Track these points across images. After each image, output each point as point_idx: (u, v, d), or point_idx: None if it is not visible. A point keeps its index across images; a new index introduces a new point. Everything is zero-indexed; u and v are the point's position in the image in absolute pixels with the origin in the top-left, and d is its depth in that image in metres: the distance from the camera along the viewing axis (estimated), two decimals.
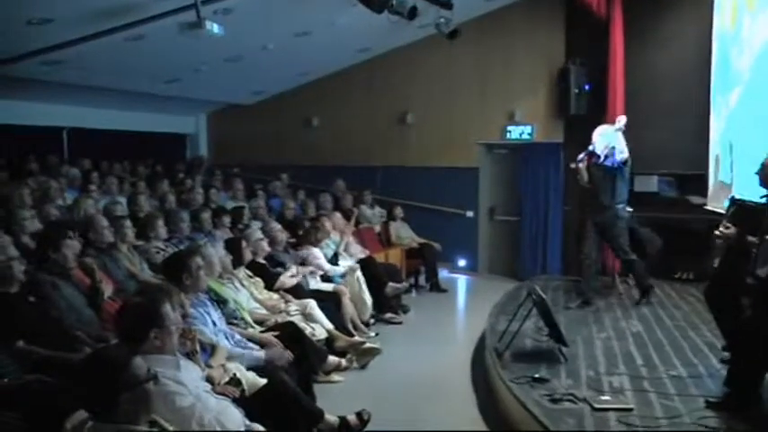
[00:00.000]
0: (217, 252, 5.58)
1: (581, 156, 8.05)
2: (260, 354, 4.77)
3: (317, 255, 7.72)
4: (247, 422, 3.45)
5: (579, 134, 10.28)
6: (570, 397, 4.66)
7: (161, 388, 2.88)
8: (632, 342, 6.24)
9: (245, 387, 4.11)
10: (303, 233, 7.96)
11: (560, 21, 10.59)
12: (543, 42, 10.71)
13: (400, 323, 8.16)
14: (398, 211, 10.74)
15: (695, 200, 9.35)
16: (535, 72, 10.79)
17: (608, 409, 4.41)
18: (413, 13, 7.94)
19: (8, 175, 8.64)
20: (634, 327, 6.83)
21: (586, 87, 10.17)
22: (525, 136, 10.81)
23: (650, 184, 9.74)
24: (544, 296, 5.85)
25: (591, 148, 7.94)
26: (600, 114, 9.82)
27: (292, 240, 7.78)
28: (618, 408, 4.44)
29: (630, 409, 4.42)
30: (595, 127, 9.77)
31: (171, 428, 2.84)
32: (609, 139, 7.77)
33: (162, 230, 6.72)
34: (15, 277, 4.40)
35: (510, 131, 10.95)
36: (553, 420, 4.24)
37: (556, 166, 10.80)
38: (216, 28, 7.06)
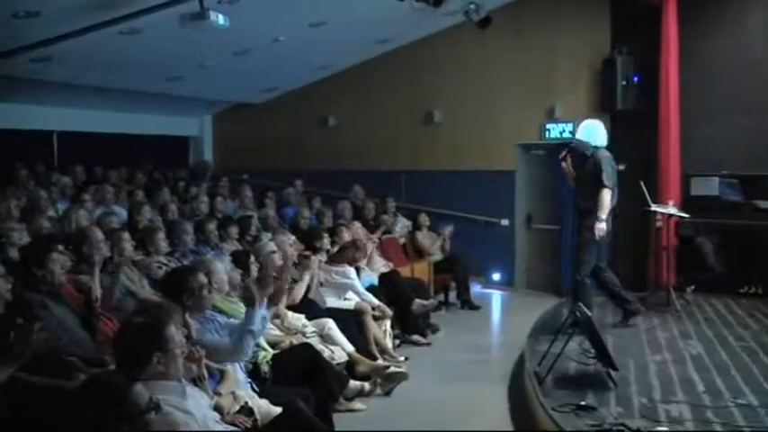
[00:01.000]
0: (224, 267, 5.59)
1: (563, 153, 7.96)
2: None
3: (352, 275, 7.71)
4: None
5: (627, 132, 10.25)
6: (621, 428, 4.60)
7: (165, 417, 2.88)
8: (692, 366, 6.16)
9: (258, 416, 4.11)
10: (340, 249, 7.96)
11: (605, 5, 10.54)
12: (586, 30, 10.66)
13: (428, 345, 8.13)
14: (424, 219, 10.72)
15: (762, 204, 9.24)
16: (577, 63, 10.74)
17: None
18: (438, 0, 7.94)
19: None
20: (693, 348, 6.75)
21: (635, 79, 10.10)
22: (566, 134, 10.72)
23: (710, 186, 9.59)
24: (590, 313, 5.81)
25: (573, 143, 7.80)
26: (650, 109, 9.79)
27: (306, 254, 7.78)
28: None
29: None
30: (644, 123, 9.82)
31: None
32: (588, 138, 7.54)
33: (163, 244, 6.74)
34: (0, 297, 4.45)
35: (549, 130, 10.91)
36: None
37: None
38: (221, 19, 7.11)
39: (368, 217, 10.35)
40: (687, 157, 9.73)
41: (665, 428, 4.60)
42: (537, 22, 10.94)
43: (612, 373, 5.65)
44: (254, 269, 6.32)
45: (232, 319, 4.98)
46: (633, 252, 10.31)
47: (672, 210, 8.68)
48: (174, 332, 3.24)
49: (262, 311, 4.62)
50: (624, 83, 10.05)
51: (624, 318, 7.81)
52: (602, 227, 7.26)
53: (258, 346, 5.42)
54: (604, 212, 7.28)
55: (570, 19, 10.77)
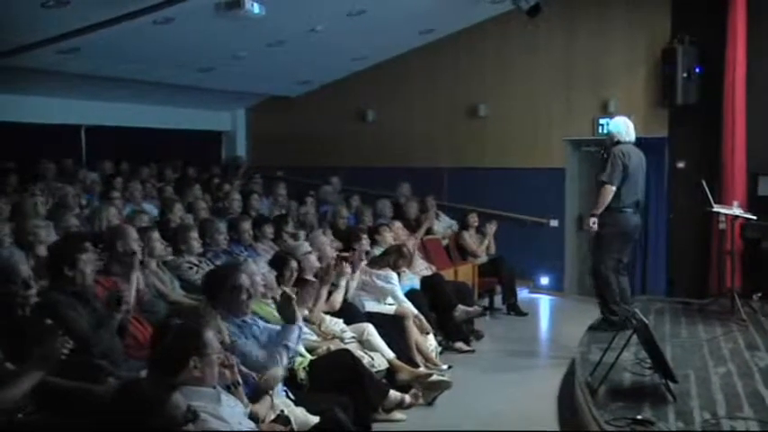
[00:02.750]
0: (259, 268, 5.63)
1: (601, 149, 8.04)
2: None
3: (394, 280, 7.69)
4: None
5: (688, 127, 10.16)
6: None
7: (201, 425, 2.92)
8: (759, 379, 6.01)
9: (294, 426, 4.13)
10: (384, 253, 7.97)
11: None
12: (644, 18, 10.54)
13: (472, 352, 8.11)
14: (473, 219, 10.69)
15: None
16: (634, 53, 10.64)
17: None
18: None
19: (18, 179, 8.86)
20: (761, 360, 6.59)
21: (697, 71, 9.95)
22: None
23: None
24: (646, 321, 5.74)
25: None
26: (713, 104, 9.66)
27: (345, 255, 7.81)
28: None
29: None
30: (707, 118, 9.70)
31: None
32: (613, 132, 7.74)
33: (196, 243, 6.83)
34: (28, 299, 4.54)
35: (603, 125, 10.79)
36: None
37: (658, 166, 10.59)
38: (257, 8, 7.19)
39: (410, 216, 10.34)
40: (754, 154, 9.57)
41: None
42: (589, 8, 10.84)
43: (671, 385, 5.55)
44: (290, 276, 6.35)
45: (271, 325, 5.01)
46: (693, 256, 10.25)
47: (737, 211, 8.52)
48: (212, 337, 3.28)
49: (299, 328, 4.70)
50: (685, 75, 9.88)
51: (601, 323, 7.72)
52: (592, 221, 7.51)
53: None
54: (599, 208, 7.49)
55: (626, 5, 10.65)
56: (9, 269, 4.57)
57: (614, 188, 7.40)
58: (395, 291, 7.55)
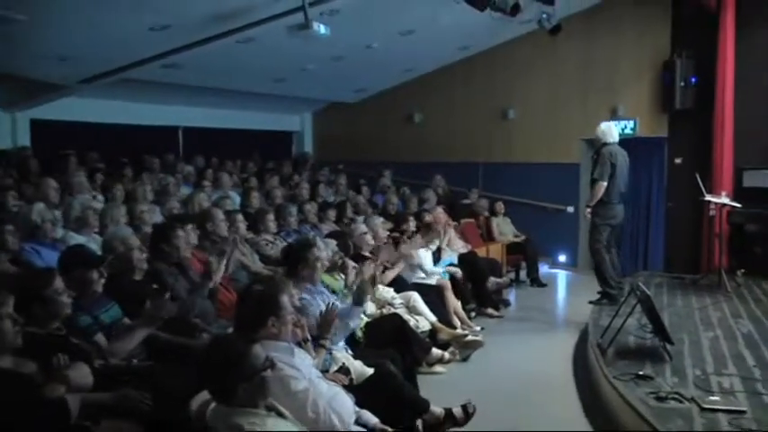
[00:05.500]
0: (327, 245, 5.69)
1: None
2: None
3: (422, 255, 7.69)
4: (357, 409, 3.52)
5: (684, 129, 10.04)
6: (677, 396, 4.49)
7: (277, 372, 2.98)
8: (742, 342, 5.93)
9: (354, 375, 4.18)
10: (421, 229, 7.98)
11: (666, 13, 10.22)
12: (648, 35, 10.37)
13: (501, 317, 8.11)
14: (500, 207, 10.66)
15: None
16: (639, 65, 10.48)
17: (718, 410, 4.22)
18: (515, 10, 7.84)
19: (132, 171, 9.07)
20: (744, 326, 6.49)
21: (693, 80, 9.79)
22: (628, 131, 10.48)
23: (763, 179, 9.24)
24: (648, 292, 5.68)
25: None
26: (706, 108, 9.54)
27: (396, 235, 7.84)
28: (730, 409, 4.24)
29: (743, 412, 4.21)
30: (700, 121, 9.57)
31: (287, 413, 2.94)
32: (600, 136, 7.65)
33: (272, 224, 6.93)
34: (138, 266, 4.67)
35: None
36: (661, 420, 4.10)
37: (659, 162, 10.56)
38: (323, 29, 7.18)
39: (482, 214, 10.38)
40: (740, 152, 9.43)
41: (717, 398, 4.46)
42: (603, 28, 10.68)
43: (668, 346, 5.50)
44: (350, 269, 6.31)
45: (338, 302, 5.06)
46: (687, 238, 10.13)
47: (725, 200, 8.40)
48: (287, 301, 3.35)
49: (363, 308, 4.74)
50: (683, 84, 9.76)
51: (600, 299, 7.63)
52: (587, 211, 7.62)
53: None
54: (593, 200, 7.52)
55: (634, 26, 10.49)
56: (125, 239, 4.72)
57: (605, 184, 7.39)
58: (422, 264, 7.52)
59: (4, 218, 5.22)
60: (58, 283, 3.49)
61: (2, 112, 9.29)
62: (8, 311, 2.94)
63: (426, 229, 7.83)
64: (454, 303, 7.22)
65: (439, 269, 7.64)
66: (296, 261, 4.81)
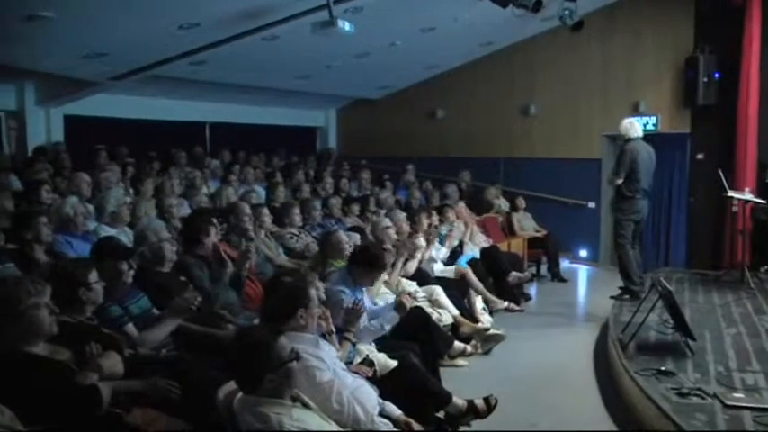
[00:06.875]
0: (351, 239, 5.70)
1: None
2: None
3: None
4: (380, 401, 3.52)
5: (707, 125, 9.92)
6: (699, 392, 4.42)
7: (303, 363, 2.99)
8: (766, 339, 5.84)
9: (377, 367, 4.18)
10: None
11: (690, 7, 10.07)
12: (671, 31, 10.23)
13: (522, 311, 8.04)
14: (521, 202, 10.61)
15: None
16: (661, 61, 10.34)
17: (742, 408, 4.14)
18: (537, 6, 7.78)
19: (160, 165, 9.13)
20: (767, 323, 6.42)
21: (716, 76, 9.64)
22: (650, 127, 10.33)
23: None
24: (670, 288, 5.62)
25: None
26: (729, 104, 9.40)
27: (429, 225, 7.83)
28: (754, 407, 4.15)
29: None
30: (723, 117, 9.42)
31: (312, 404, 2.94)
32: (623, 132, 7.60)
33: (297, 218, 6.95)
34: (167, 257, 4.70)
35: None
36: (683, 416, 4.04)
37: (681, 158, 10.41)
38: (347, 26, 7.17)
39: (482, 199, 10.30)
40: (763, 147, 9.28)
41: (741, 395, 4.38)
42: (625, 24, 10.57)
43: (690, 342, 5.44)
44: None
45: (370, 299, 5.07)
46: (709, 234, 10.02)
47: (748, 196, 8.29)
48: (314, 294, 3.36)
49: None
50: (706, 80, 9.61)
51: (621, 294, 7.56)
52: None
53: None
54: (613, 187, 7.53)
55: (656, 21, 10.35)
56: (157, 231, 4.76)
57: (620, 181, 7.33)
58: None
59: (39, 210, 5.28)
60: (94, 273, 3.54)
61: (37, 108, 9.39)
62: (45, 301, 2.99)
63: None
64: (475, 297, 7.17)
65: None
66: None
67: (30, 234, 4.71)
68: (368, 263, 4.89)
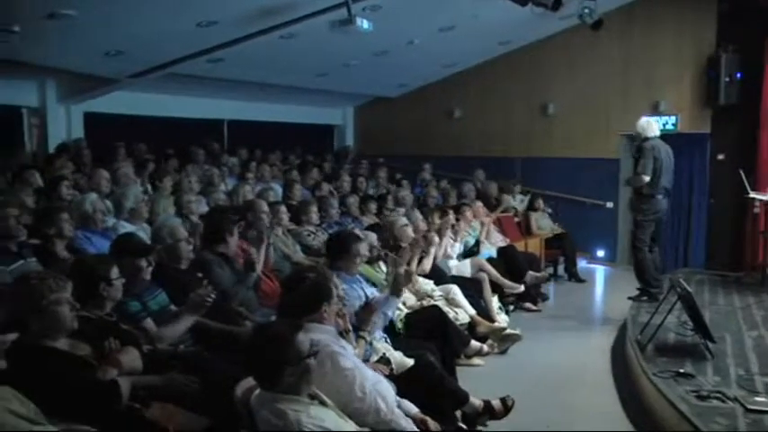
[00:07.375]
0: (367, 238, 5.69)
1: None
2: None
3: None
4: (398, 398, 3.52)
5: (728, 125, 9.83)
6: (719, 395, 4.37)
7: (326, 348, 3.01)
8: None
9: (394, 366, 4.17)
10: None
11: (710, 6, 10.00)
12: (692, 30, 10.17)
13: (539, 311, 8.03)
14: (540, 203, 10.56)
15: None
16: (682, 60, 10.27)
17: (765, 412, 4.08)
18: (557, 5, 7.73)
19: (178, 162, 9.17)
20: None
21: (738, 76, 9.55)
22: (669, 126, 10.28)
23: None
24: (689, 289, 5.57)
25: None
26: (751, 104, 9.31)
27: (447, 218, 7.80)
28: None
29: None
30: (745, 117, 9.33)
31: (330, 402, 2.94)
32: (640, 131, 7.45)
33: (315, 216, 6.95)
34: (184, 255, 4.73)
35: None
36: (703, 419, 3.99)
37: (701, 158, 10.33)
38: (366, 24, 7.17)
39: (490, 196, 10.25)
40: None
41: (763, 399, 4.31)
42: (645, 23, 10.51)
43: (710, 344, 5.37)
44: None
45: (374, 289, 5.06)
46: (730, 235, 9.95)
47: None
48: (335, 289, 3.38)
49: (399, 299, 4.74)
50: (728, 79, 9.54)
51: (639, 295, 7.47)
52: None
53: None
54: (634, 184, 7.38)
55: (677, 20, 10.29)
56: (173, 230, 4.78)
57: (647, 178, 7.19)
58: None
59: (61, 207, 5.32)
60: (115, 269, 3.57)
61: (58, 105, 9.47)
62: (66, 296, 3.02)
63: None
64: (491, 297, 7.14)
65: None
66: (338, 252, 4.82)
67: (52, 230, 4.75)
68: (344, 250, 4.88)
